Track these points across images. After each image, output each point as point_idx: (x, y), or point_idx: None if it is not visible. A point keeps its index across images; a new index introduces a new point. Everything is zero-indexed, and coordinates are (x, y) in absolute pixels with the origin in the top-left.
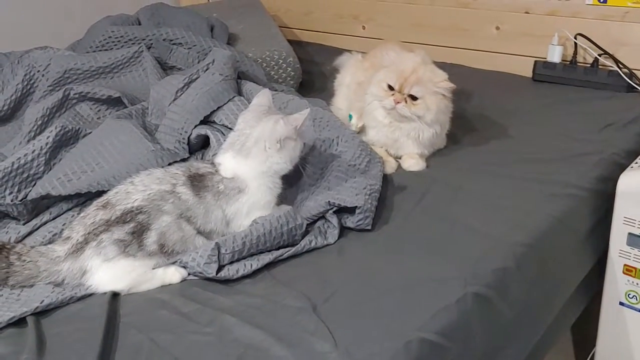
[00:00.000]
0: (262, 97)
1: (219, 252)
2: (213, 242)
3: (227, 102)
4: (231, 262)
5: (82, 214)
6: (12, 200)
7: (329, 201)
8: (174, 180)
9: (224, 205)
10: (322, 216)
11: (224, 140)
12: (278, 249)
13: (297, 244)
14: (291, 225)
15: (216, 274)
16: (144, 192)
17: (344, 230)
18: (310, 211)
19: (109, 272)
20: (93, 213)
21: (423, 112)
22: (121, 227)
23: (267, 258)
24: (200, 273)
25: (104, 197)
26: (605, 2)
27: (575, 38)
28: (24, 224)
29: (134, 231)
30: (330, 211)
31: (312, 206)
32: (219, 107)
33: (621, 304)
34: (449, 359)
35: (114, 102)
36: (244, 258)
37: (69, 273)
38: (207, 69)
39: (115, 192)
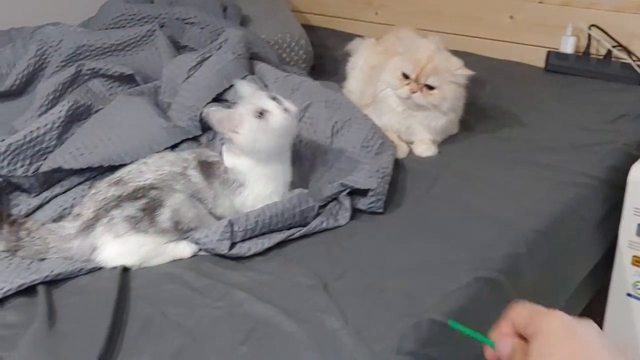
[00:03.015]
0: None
1: (232, 229)
2: (226, 220)
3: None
4: (243, 240)
5: (93, 191)
6: (23, 173)
7: (341, 182)
8: (185, 164)
9: (231, 196)
10: (334, 198)
11: None
12: (289, 228)
13: (307, 224)
14: (304, 207)
15: (228, 251)
16: (156, 172)
17: (355, 212)
18: (324, 193)
19: (119, 248)
20: (105, 189)
21: (439, 102)
22: (132, 204)
23: (278, 237)
24: (213, 249)
25: (117, 175)
26: None
27: (589, 29)
28: (34, 197)
29: (145, 207)
30: (343, 193)
31: (325, 188)
32: (231, 86)
33: (628, 295)
34: (457, 341)
35: (127, 80)
36: (256, 236)
37: (78, 250)
38: (220, 48)
39: (128, 170)
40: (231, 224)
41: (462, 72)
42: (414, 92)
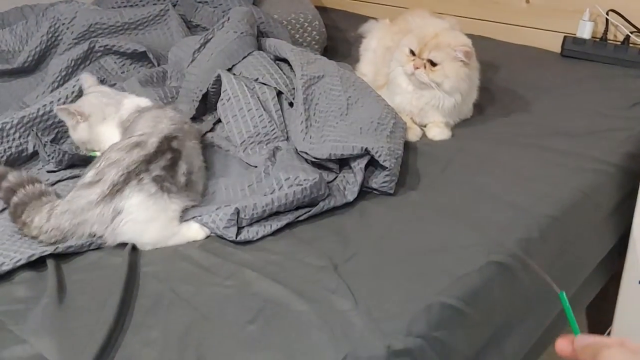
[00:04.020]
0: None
1: (238, 216)
2: (233, 207)
3: (243, 58)
4: (251, 224)
5: (105, 161)
6: (35, 146)
7: (366, 148)
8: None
9: None
10: (338, 172)
11: (239, 87)
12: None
13: (313, 206)
14: (315, 195)
15: (236, 237)
16: (168, 122)
17: (365, 193)
18: (335, 150)
19: (143, 212)
20: (126, 155)
21: (441, 79)
22: (157, 163)
23: (286, 218)
24: (220, 235)
25: (132, 140)
26: None
27: (607, 14)
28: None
29: (169, 164)
30: (360, 165)
31: (337, 146)
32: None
33: None
34: (468, 325)
35: (139, 57)
36: (264, 219)
37: (98, 218)
38: (222, 27)
39: (140, 132)
40: (237, 211)
41: (461, 49)
42: (417, 68)
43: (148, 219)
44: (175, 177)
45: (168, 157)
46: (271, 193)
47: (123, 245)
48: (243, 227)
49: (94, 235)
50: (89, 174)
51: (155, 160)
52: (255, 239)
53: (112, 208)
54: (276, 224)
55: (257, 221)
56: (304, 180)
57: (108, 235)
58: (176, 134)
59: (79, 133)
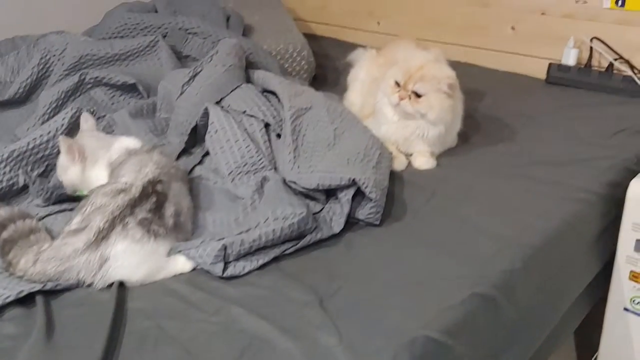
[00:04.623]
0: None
1: (225, 252)
2: (220, 243)
3: (232, 91)
4: (238, 259)
5: (90, 206)
6: (25, 181)
7: (353, 179)
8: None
9: None
10: (324, 204)
11: (226, 119)
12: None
13: (300, 238)
14: (302, 229)
15: (222, 274)
16: (153, 166)
17: (351, 224)
18: (323, 181)
19: (131, 258)
20: (111, 200)
21: (426, 110)
22: (143, 206)
23: (273, 253)
24: (207, 270)
25: (115, 186)
26: (623, 7)
27: (591, 41)
28: (42, 207)
29: (154, 206)
30: (347, 197)
31: (325, 176)
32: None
33: (626, 309)
34: (452, 358)
35: (129, 89)
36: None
37: (85, 265)
38: (210, 61)
39: (124, 180)
40: (224, 247)
41: (446, 81)
42: (402, 99)
43: (136, 264)
44: (162, 219)
45: (153, 200)
46: (256, 226)
47: None
48: (230, 262)
49: (83, 282)
50: (75, 220)
51: (140, 204)
52: (242, 274)
53: (98, 255)
54: (263, 258)
55: (244, 256)
56: (291, 214)
57: (97, 282)
58: (161, 178)
59: (69, 175)
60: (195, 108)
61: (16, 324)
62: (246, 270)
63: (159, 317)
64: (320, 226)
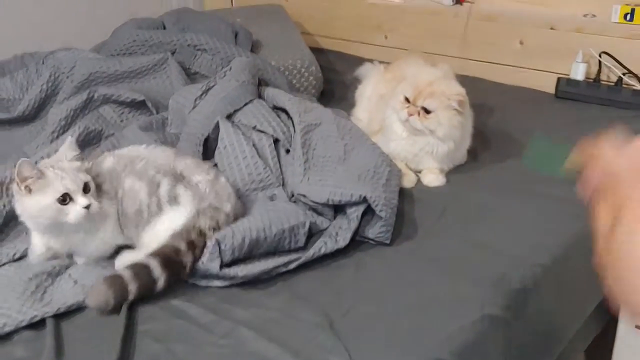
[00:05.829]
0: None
1: (219, 247)
2: (213, 239)
3: (244, 105)
4: (237, 263)
5: None
6: None
7: (364, 196)
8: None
9: None
10: (332, 220)
11: (235, 135)
12: (286, 251)
13: (300, 244)
14: (293, 223)
15: (220, 270)
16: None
17: (361, 244)
18: (334, 196)
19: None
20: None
21: (435, 127)
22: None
23: (272, 262)
24: (206, 270)
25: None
26: (632, 21)
27: (600, 56)
28: None
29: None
30: (356, 213)
31: (336, 192)
32: (235, 111)
33: (637, 327)
34: None
35: (138, 106)
36: (247, 258)
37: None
38: (224, 76)
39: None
40: (218, 242)
41: (456, 97)
42: (411, 115)
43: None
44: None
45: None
46: (245, 218)
47: None
48: (228, 264)
49: None
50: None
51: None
52: (240, 275)
53: None
54: (263, 265)
55: (243, 260)
56: (286, 217)
57: None
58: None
59: None
60: (209, 120)
61: (26, 347)
62: (244, 272)
63: (169, 340)
64: (325, 240)
